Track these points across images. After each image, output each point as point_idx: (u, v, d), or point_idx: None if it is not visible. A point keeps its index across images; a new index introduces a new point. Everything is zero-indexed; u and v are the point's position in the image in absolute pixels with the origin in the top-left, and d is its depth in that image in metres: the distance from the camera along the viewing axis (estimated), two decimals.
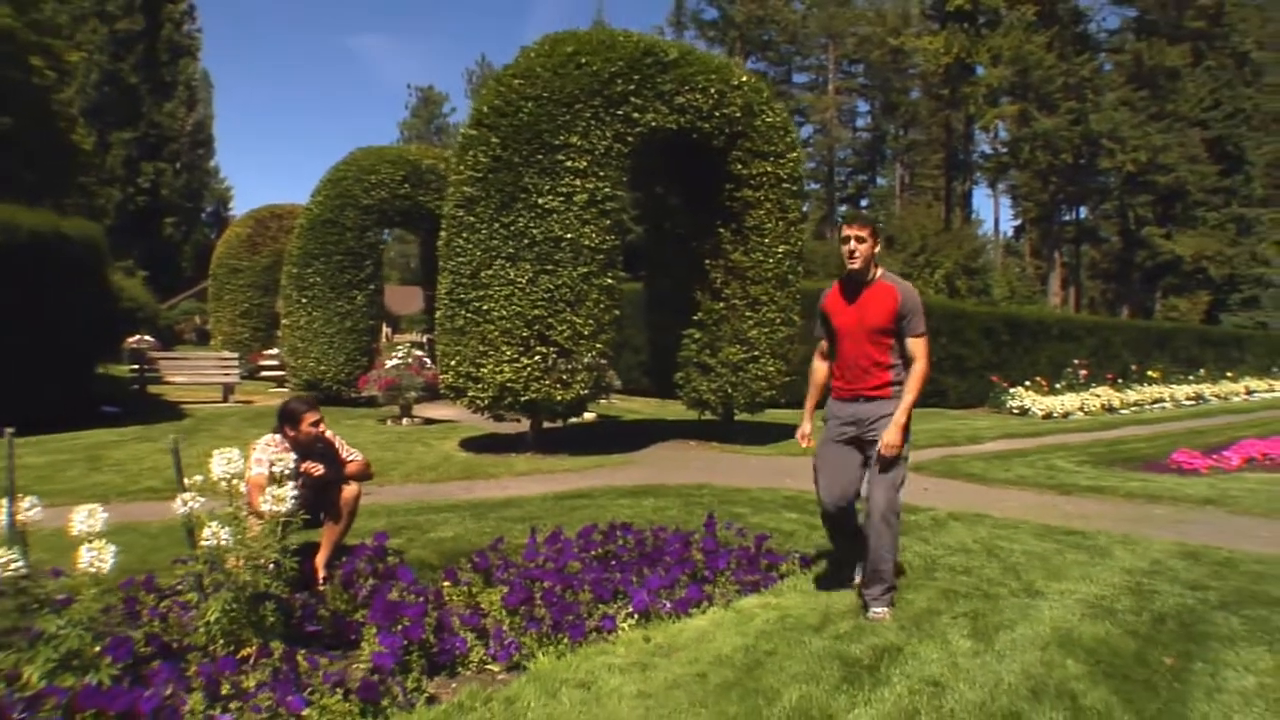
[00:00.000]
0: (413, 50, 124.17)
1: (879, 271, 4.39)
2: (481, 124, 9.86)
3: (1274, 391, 29.27)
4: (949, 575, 4.87)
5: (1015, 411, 18.72)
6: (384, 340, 22.76)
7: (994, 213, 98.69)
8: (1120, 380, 22.66)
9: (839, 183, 62.92)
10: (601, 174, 9.73)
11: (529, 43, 10.30)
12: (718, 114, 10.59)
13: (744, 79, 11.15)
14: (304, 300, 16.35)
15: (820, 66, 59.85)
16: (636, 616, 4.02)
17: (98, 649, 2.91)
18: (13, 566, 2.91)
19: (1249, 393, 27.87)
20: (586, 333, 9.71)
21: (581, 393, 9.99)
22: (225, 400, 16.46)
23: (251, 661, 3.22)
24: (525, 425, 10.73)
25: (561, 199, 9.53)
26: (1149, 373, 24.45)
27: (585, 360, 9.81)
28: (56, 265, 10.87)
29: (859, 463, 4.37)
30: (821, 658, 3.56)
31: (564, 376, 9.69)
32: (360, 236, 16.50)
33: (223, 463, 3.46)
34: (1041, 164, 45.21)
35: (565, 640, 3.65)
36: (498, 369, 9.54)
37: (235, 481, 3.52)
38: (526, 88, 9.73)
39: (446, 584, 4.34)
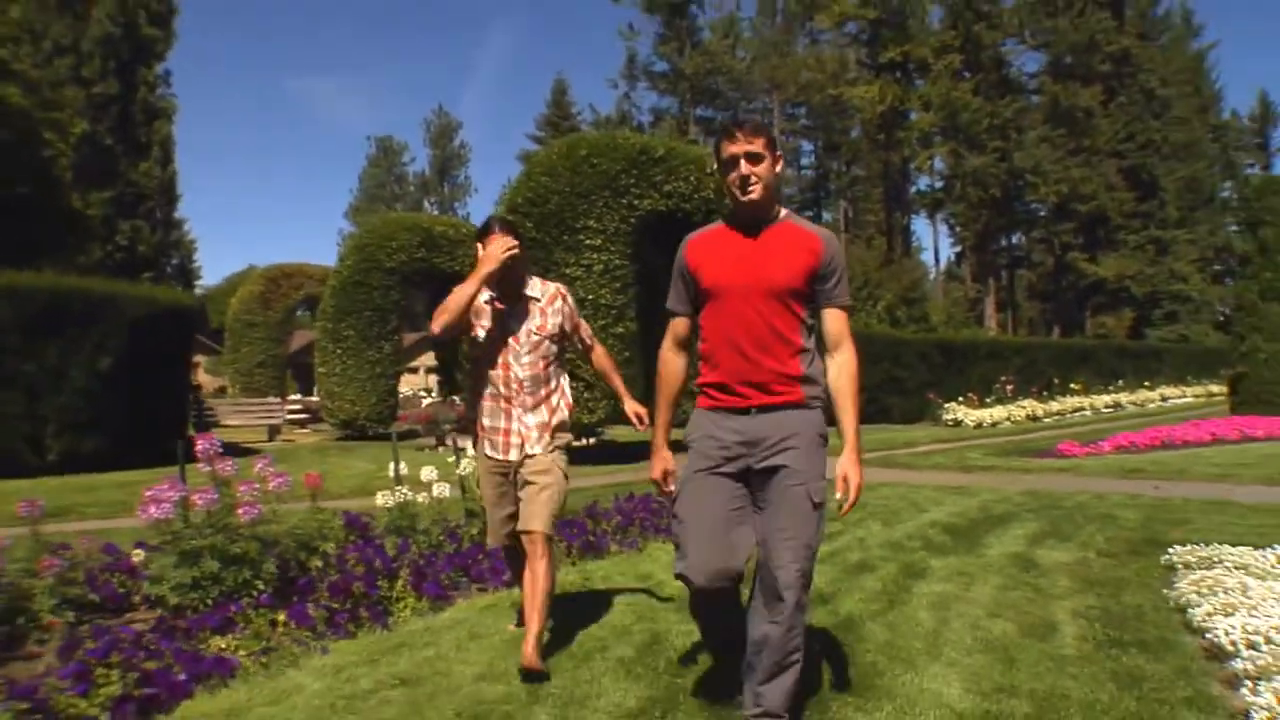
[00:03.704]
0: (359, 93, 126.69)
1: (783, 211, 3.03)
2: (517, 210, 12.84)
3: (1186, 398, 32.57)
4: (875, 508, 7.87)
5: (950, 424, 21.68)
6: None
7: (933, 241, 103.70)
8: (1045, 393, 25.82)
9: None
10: (612, 248, 12.76)
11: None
12: (696, 196, 13.62)
13: (716, 166, 14.21)
14: (339, 351, 19.13)
15: (765, 110, 63.65)
16: None
17: (443, 538, 5.81)
18: (406, 495, 5.81)
19: (1164, 399, 31.22)
20: None
21: (601, 417, 12.95)
22: (271, 440, 19.12)
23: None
24: None
25: (583, 269, 12.53)
26: (1072, 385, 27.59)
27: (604, 392, 12.78)
28: (178, 330, 13.73)
29: (746, 511, 2.89)
30: None
31: (589, 404, 12.64)
32: (385, 295, 19.34)
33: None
34: (973, 198, 49.18)
35: (661, 538, 6.58)
36: None
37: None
38: (551, 183, 12.76)
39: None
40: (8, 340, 11.39)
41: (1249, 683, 3.22)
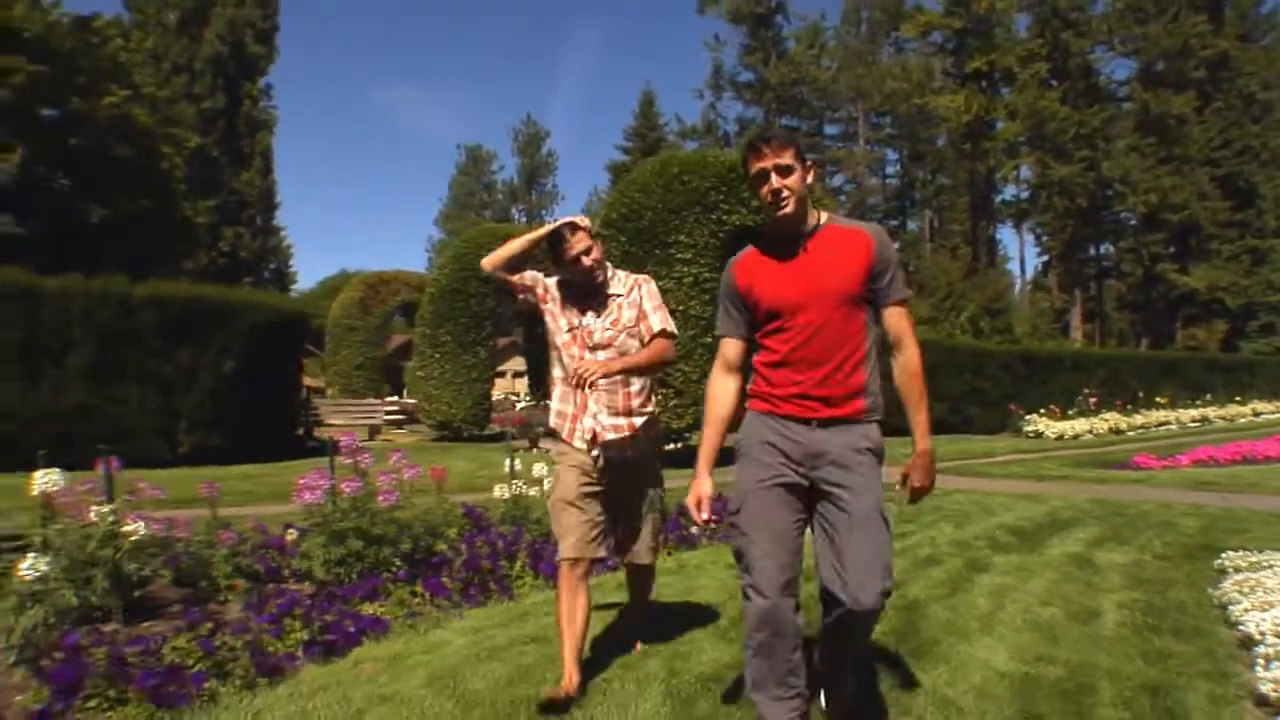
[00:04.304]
0: (446, 103, 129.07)
1: (823, 216, 2.97)
2: (611, 225, 13.59)
3: None
4: (948, 511, 8.37)
5: (1031, 435, 21.68)
6: None
7: (1019, 251, 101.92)
8: (1129, 406, 25.61)
9: None
10: (702, 261, 13.40)
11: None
12: None
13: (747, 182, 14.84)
14: (437, 355, 20.09)
15: (850, 119, 63.81)
16: None
17: None
18: (520, 489, 6.53)
19: (1255, 414, 30.52)
20: (694, 378, 13.32)
21: (689, 422, 13.59)
22: (371, 439, 20.09)
23: None
24: None
25: (674, 281, 13.19)
26: (1157, 399, 27.27)
27: (693, 398, 13.43)
28: (292, 335, 14.78)
29: (805, 523, 2.92)
30: None
31: (677, 410, 13.30)
32: (482, 302, 20.23)
33: None
34: (1060, 208, 48.61)
35: None
36: None
37: None
38: (645, 199, 13.46)
39: None
40: (150, 343, 12.57)
41: (1263, 662, 3.71)
